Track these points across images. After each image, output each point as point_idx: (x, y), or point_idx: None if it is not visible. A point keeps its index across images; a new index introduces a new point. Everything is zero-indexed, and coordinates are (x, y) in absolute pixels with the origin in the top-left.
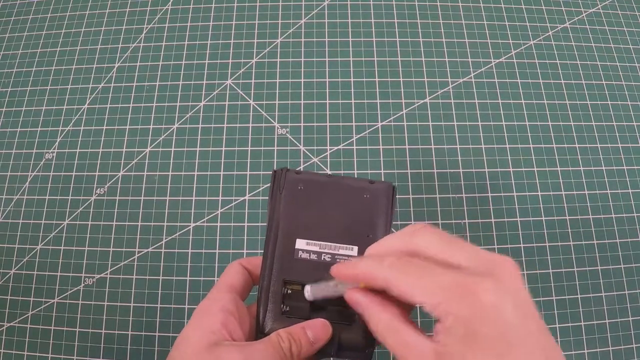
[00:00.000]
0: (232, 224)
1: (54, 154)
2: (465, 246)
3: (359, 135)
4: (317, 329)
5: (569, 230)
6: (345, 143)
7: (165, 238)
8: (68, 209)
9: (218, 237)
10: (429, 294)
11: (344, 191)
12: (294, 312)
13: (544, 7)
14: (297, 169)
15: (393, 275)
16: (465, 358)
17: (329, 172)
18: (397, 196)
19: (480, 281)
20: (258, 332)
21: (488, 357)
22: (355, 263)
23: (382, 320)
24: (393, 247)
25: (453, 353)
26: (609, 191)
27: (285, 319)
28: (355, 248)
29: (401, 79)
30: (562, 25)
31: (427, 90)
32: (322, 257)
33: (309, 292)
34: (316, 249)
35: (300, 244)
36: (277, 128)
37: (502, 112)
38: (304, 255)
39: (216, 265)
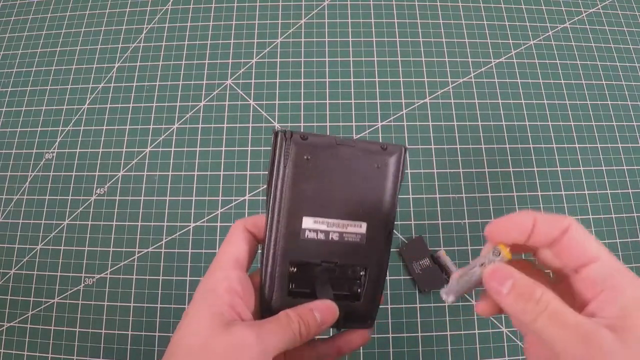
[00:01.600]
0: (232, 224)
1: (54, 154)
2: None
3: (359, 135)
4: (325, 312)
5: None
6: None
7: (165, 238)
8: (68, 209)
9: (218, 237)
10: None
11: (355, 160)
12: (300, 288)
13: (544, 7)
14: (302, 132)
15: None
16: None
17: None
18: (408, 158)
19: None
20: (264, 312)
21: None
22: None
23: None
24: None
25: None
26: (609, 191)
27: (292, 299)
28: (364, 225)
29: (401, 79)
30: (562, 25)
31: (427, 90)
32: (330, 236)
33: (451, 297)
34: (324, 227)
35: (307, 222)
36: (277, 128)
37: (502, 112)
38: (311, 235)
39: None
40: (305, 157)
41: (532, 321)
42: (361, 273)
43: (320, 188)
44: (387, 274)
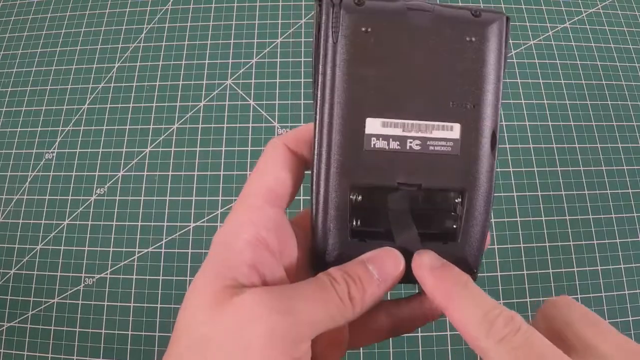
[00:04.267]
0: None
1: (54, 154)
2: (612, 330)
3: None
4: (384, 263)
5: (569, 230)
6: None
7: (165, 238)
8: (68, 209)
9: None
10: None
11: (436, 32)
12: (368, 228)
13: (544, 7)
14: None
15: (502, 357)
16: None
17: None
18: (510, 34)
19: None
20: (317, 267)
21: None
22: (451, 289)
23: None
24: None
25: None
26: (609, 191)
27: (357, 244)
28: (457, 127)
29: None
30: (562, 25)
31: None
32: (408, 144)
33: None
34: (398, 132)
35: (373, 126)
36: (277, 128)
37: (502, 112)
38: (380, 144)
39: None
40: (363, 29)
41: None
42: (457, 200)
43: (389, 74)
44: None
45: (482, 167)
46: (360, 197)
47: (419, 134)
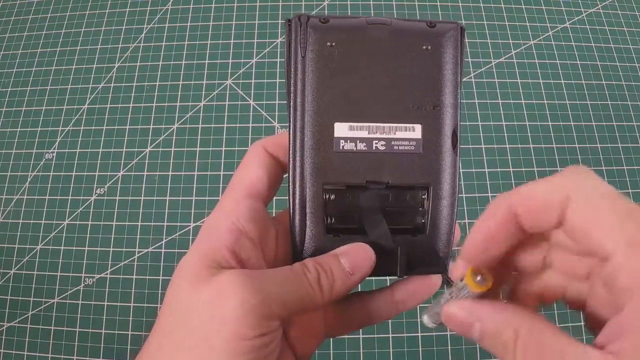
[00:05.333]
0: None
1: (54, 154)
2: None
3: None
4: (355, 256)
5: None
6: None
7: (165, 238)
8: (68, 209)
9: None
10: None
11: (395, 43)
12: (342, 225)
13: (544, 7)
14: (321, 15)
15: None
16: None
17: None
18: (465, 40)
19: None
20: (296, 259)
21: None
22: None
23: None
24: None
25: None
26: None
27: (332, 239)
28: (418, 127)
29: None
30: (562, 25)
31: None
32: (374, 145)
33: (431, 322)
34: (364, 134)
35: (341, 129)
36: (277, 128)
37: (502, 112)
38: (348, 146)
39: None
40: (328, 43)
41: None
42: (423, 196)
43: (353, 83)
44: (457, 194)
45: (444, 163)
46: (333, 196)
47: (383, 135)
